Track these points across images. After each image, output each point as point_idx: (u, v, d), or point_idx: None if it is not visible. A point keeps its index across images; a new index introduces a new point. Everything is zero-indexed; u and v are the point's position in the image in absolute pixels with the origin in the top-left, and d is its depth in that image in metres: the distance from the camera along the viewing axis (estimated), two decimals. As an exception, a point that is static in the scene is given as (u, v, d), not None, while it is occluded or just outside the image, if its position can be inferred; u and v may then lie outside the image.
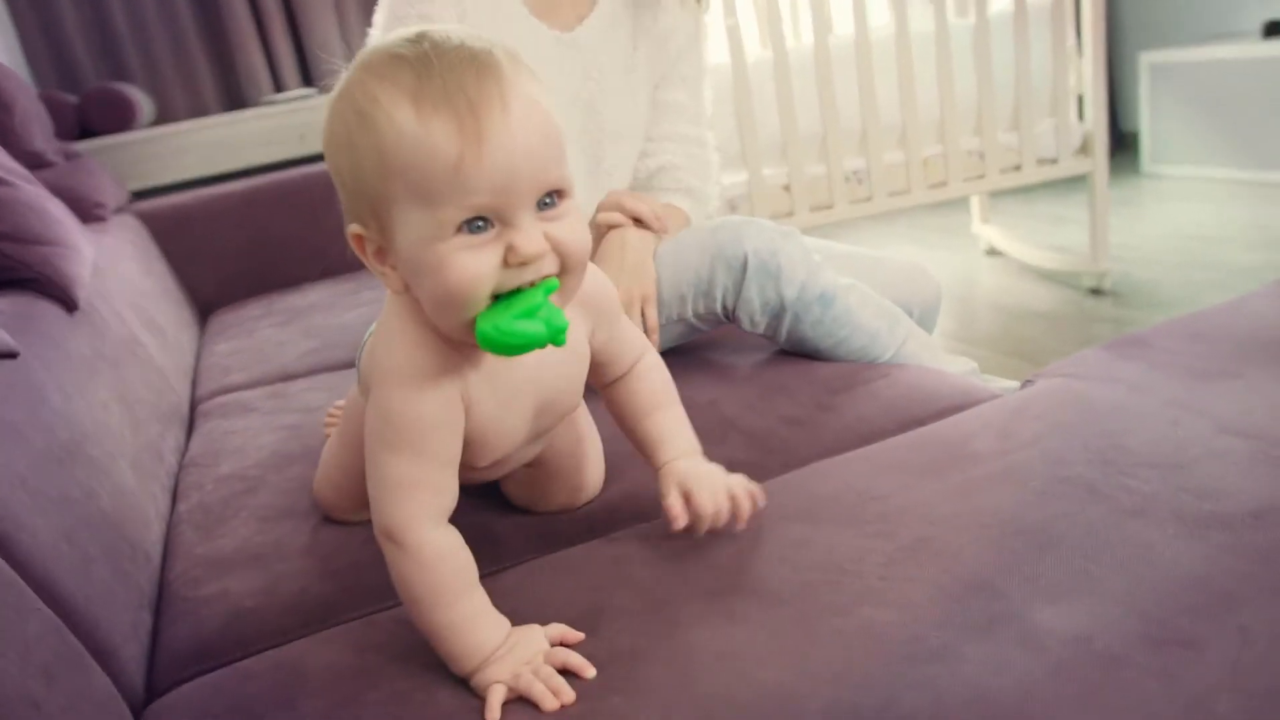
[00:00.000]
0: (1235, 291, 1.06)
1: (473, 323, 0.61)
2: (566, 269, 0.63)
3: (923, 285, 1.42)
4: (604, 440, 0.97)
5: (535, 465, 0.89)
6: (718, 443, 0.98)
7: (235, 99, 3.04)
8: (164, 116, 2.93)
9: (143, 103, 2.72)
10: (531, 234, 0.60)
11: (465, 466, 0.72)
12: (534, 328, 0.60)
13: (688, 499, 0.74)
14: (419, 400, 0.66)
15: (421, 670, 0.68)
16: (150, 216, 2.26)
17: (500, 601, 0.69)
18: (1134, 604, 0.58)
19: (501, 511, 0.94)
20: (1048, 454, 0.79)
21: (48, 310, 1.18)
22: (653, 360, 0.83)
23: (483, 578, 0.69)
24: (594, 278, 0.74)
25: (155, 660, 0.84)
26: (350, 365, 1.56)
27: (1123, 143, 4.03)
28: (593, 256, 0.94)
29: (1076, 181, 2.58)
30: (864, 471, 0.84)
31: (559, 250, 0.62)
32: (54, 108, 2.48)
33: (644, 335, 0.82)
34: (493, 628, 0.67)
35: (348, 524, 0.97)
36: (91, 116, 2.61)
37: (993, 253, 3.04)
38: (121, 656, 0.79)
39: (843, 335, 1.18)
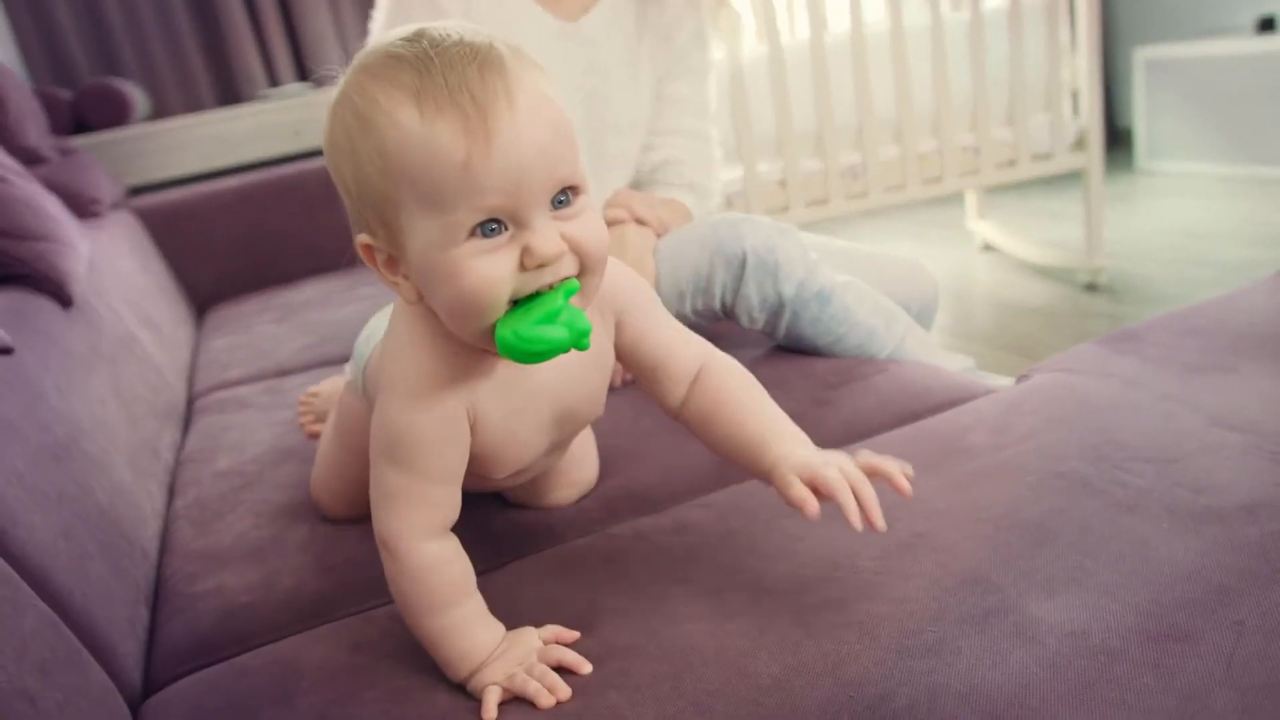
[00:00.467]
0: (1229, 287, 1.07)
1: (492, 330, 0.58)
2: (586, 269, 0.60)
3: (920, 282, 1.43)
4: (598, 435, 0.97)
5: None
6: (700, 451, 0.98)
7: (230, 94, 3.04)
8: (159, 112, 2.92)
9: (138, 98, 2.72)
10: (548, 234, 0.57)
11: (481, 477, 0.71)
12: (556, 333, 0.57)
13: (813, 484, 0.63)
14: (419, 417, 0.64)
15: (419, 668, 0.68)
16: (146, 212, 2.25)
17: (496, 599, 0.69)
18: (1129, 598, 0.59)
19: (497, 508, 0.94)
20: (1043, 449, 0.79)
21: (43, 306, 1.17)
22: (724, 364, 0.73)
23: (478, 575, 0.69)
24: (618, 271, 0.71)
25: (152, 656, 0.84)
26: (347, 360, 1.56)
27: (1117, 138, 4.03)
28: None
29: (1071, 177, 2.59)
30: (860, 466, 0.84)
31: (577, 250, 0.59)
32: (49, 104, 2.47)
33: (704, 340, 0.74)
34: (486, 633, 0.66)
35: (344, 522, 0.96)
36: (87, 112, 2.60)
37: (988, 248, 3.04)
38: (118, 652, 0.79)
39: (841, 332, 1.18)
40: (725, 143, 2.15)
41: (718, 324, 1.23)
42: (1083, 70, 2.42)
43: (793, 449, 0.67)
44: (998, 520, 0.70)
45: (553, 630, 0.68)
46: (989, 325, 2.44)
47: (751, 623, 0.65)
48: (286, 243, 2.30)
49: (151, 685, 0.80)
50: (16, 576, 0.69)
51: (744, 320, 1.17)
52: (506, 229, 0.57)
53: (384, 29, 1.28)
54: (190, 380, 1.66)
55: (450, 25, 0.59)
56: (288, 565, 0.90)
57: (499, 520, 0.92)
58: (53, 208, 1.39)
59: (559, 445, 0.77)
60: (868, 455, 0.66)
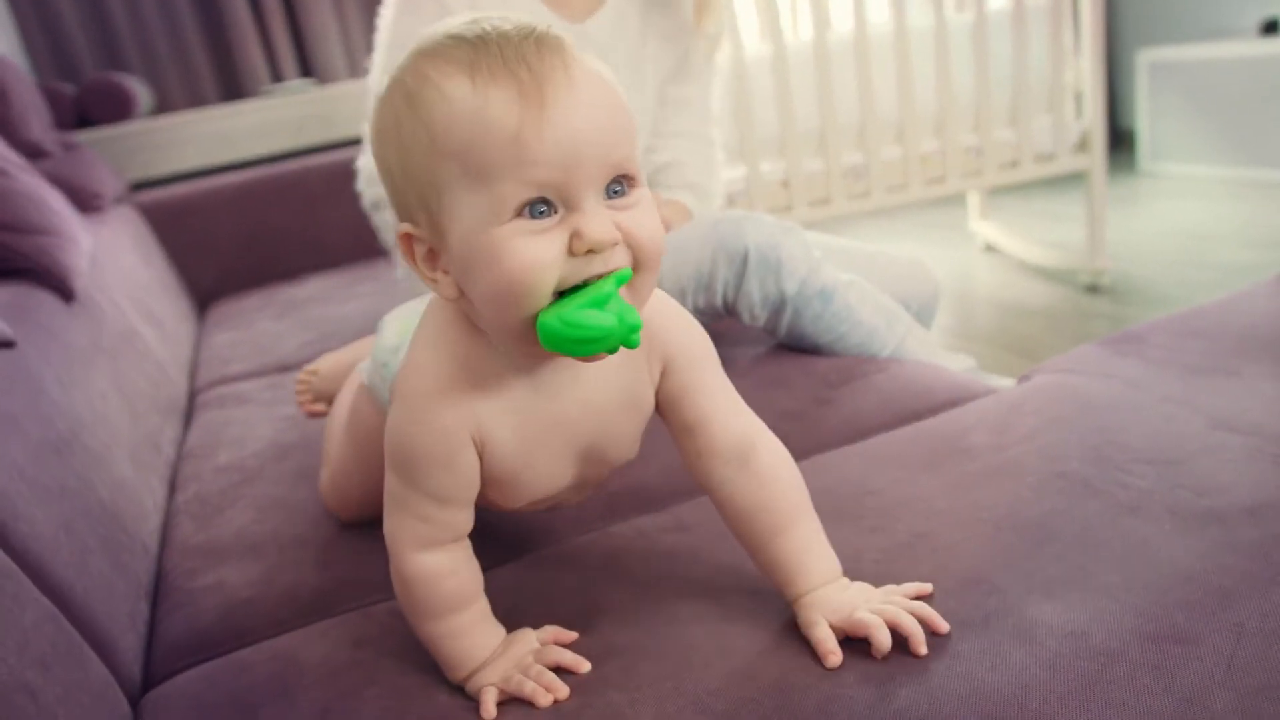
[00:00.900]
0: (1231, 289, 1.07)
1: (533, 321, 0.54)
2: (639, 265, 0.56)
3: (921, 281, 1.43)
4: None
5: None
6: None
7: (233, 90, 3.04)
8: (162, 107, 2.92)
9: (141, 93, 2.72)
10: (600, 219, 0.53)
11: (496, 505, 0.70)
12: (604, 319, 0.52)
13: (841, 627, 0.60)
14: (421, 436, 0.62)
15: (420, 666, 0.68)
16: (149, 207, 2.25)
17: (496, 598, 0.69)
18: (1129, 599, 0.59)
19: (499, 504, 0.94)
20: (1044, 449, 0.79)
21: (45, 300, 1.17)
22: (771, 460, 0.66)
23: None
24: (677, 316, 0.67)
25: (152, 650, 0.84)
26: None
27: (1120, 140, 4.03)
28: None
29: (1074, 178, 2.58)
30: (861, 466, 0.84)
31: (631, 241, 0.55)
32: (52, 98, 2.47)
33: (757, 417, 0.68)
34: (484, 637, 0.66)
35: (356, 524, 0.94)
36: (90, 107, 2.60)
37: (990, 249, 3.04)
38: (119, 646, 0.79)
39: (842, 331, 1.18)
40: (728, 143, 2.16)
41: (719, 322, 1.23)
42: (1086, 72, 2.41)
43: (825, 593, 0.62)
44: (998, 521, 0.70)
45: (551, 631, 0.68)
46: (991, 326, 2.44)
47: (752, 623, 0.65)
48: (289, 239, 2.30)
49: (151, 679, 0.80)
50: (17, 570, 0.69)
51: (745, 317, 1.17)
52: (556, 212, 0.54)
53: (392, 25, 1.28)
54: (192, 375, 1.66)
55: (512, 13, 0.57)
56: (288, 560, 0.91)
57: (499, 518, 0.92)
58: (55, 202, 1.39)
59: (587, 483, 0.72)
60: (903, 596, 0.62)
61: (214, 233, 2.28)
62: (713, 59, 1.41)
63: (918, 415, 1.00)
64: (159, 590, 0.93)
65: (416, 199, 0.57)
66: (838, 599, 0.62)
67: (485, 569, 0.68)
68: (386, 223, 1.33)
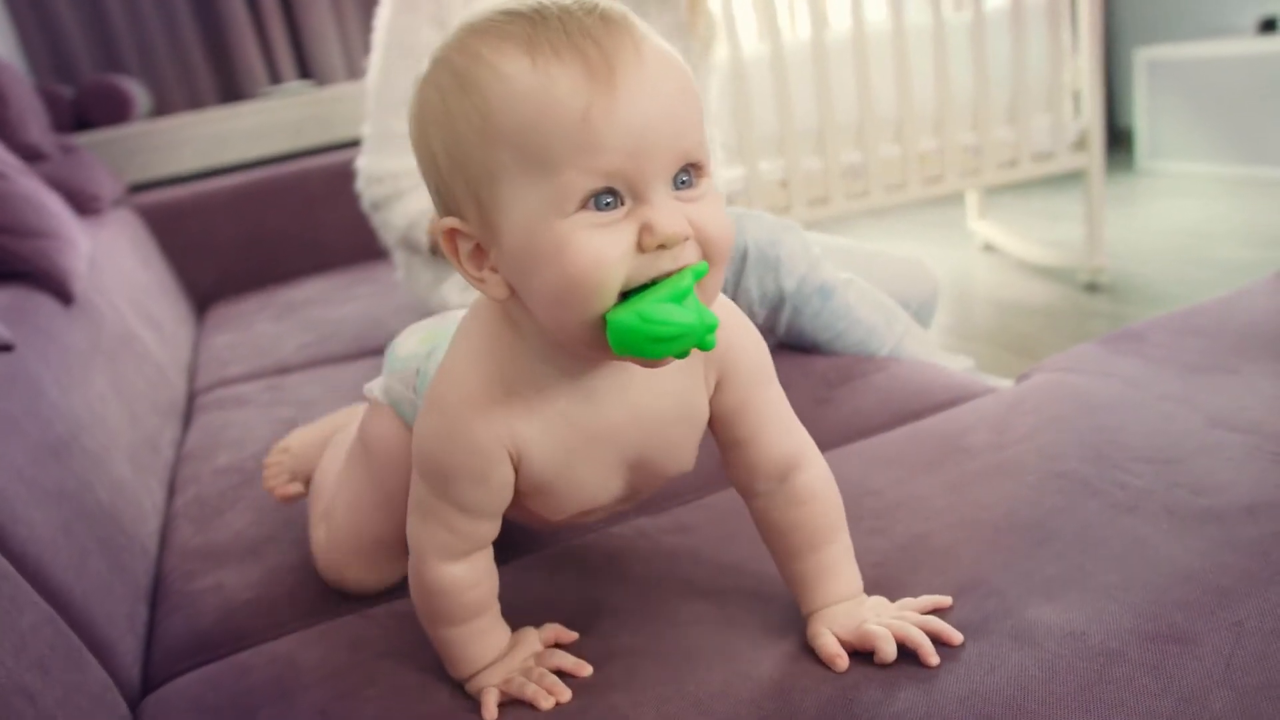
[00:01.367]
0: (1230, 287, 1.07)
1: (599, 322, 0.49)
2: (709, 260, 0.52)
3: (920, 280, 1.43)
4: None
5: None
6: (708, 435, 0.98)
7: (232, 92, 3.04)
8: (161, 109, 2.92)
9: (139, 95, 2.72)
10: (671, 211, 0.49)
11: (538, 518, 0.67)
12: (685, 315, 0.48)
13: (848, 640, 0.60)
14: (452, 451, 0.59)
15: (419, 666, 0.68)
16: (147, 209, 2.25)
17: (498, 597, 0.69)
18: (1128, 599, 0.58)
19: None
20: (1043, 449, 0.79)
21: (43, 303, 1.17)
22: (814, 479, 0.64)
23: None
24: (739, 324, 0.63)
25: (151, 653, 0.84)
26: (348, 359, 1.56)
27: (1118, 138, 4.03)
28: None
29: (1072, 177, 2.59)
30: (860, 466, 0.84)
31: (701, 236, 0.51)
32: (50, 100, 2.47)
33: (806, 433, 0.66)
34: (494, 640, 0.65)
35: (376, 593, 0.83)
36: (88, 109, 2.60)
37: (989, 248, 3.04)
38: (118, 649, 0.79)
39: (841, 329, 1.18)
40: (727, 142, 2.16)
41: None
42: (1084, 70, 2.41)
43: (837, 608, 0.62)
44: (997, 521, 0.70)
45: (552, 631, 0.68)
46: (989, 325, 2.44)
47: (754, 625, 0.65)
48: (287, 241, 2.30)
49: (150, 682, 0.80)
50: (16, 573, 0.69)
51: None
52: (623, 203, 0.49)
53: (389, 24, 1.28)
54: (191, 377, 1.66)
55: None
56: (287, 562, 0.90)
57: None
58: (54, 205, 1.39)
59: (636, 493, 0.68)
60: (916, 610, 0.61)
61: (212, 235, 2.27)
62: (709, 58, 1.41)
63: (917, 415, 1.00)
64: (158, 592, 0.93)
65: (465, 190, 0.52)
66: (849, 614, 0.61)
67: (486, 569, 0.68)
68: (386, 223, 1.33)
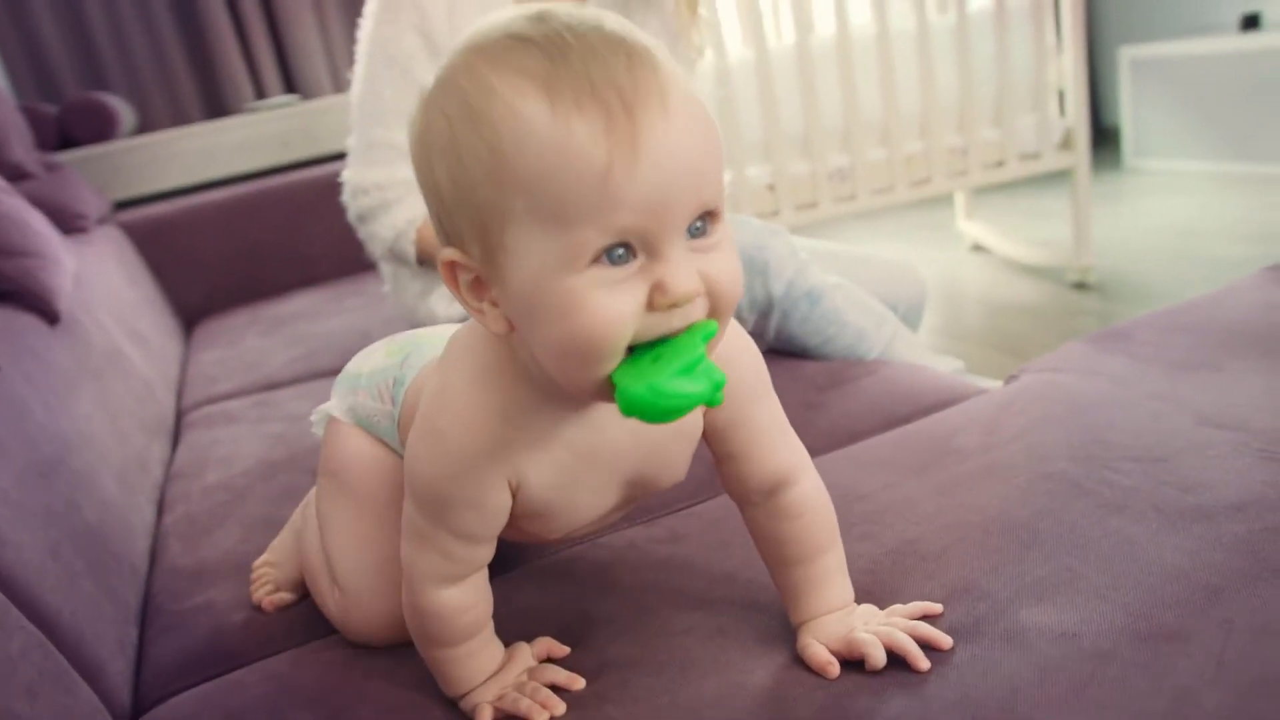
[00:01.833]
0: (1217, 283, 1.07)
1: (605, 380, 0.48)
2: (717, 313, 0.50)
3: (908, 282, 1.43)
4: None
5: None
6: (702, 443, 0.98)
7: (217, 107, 3.03)
8: (146, 126, 2.92)
9: (124, 112, 2.71)
10: (685, 270, 0.47)
11: (532, 535, 0.66)
12: (696, 387, 0.47)
13: (837, 648, 0.60)
14: (450, 482, 0.58)
15: (413, 684, 0.68)
16: (133, 226, 2.25)
17: (489, 610, 0.69)
18: (1119, 598, 0.58)
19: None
20: (1031, 450, 0.79)
21: (28, 323, 1.17)
22: (810, 491, 0.64)
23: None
24: (739, 344, 0.62)
25: (142, 674, 0.83)
26: (336, 373, 1.55)
27: (1105, 137, 4.05)
28: None
29: (1059, 176, 2.60)
30: (850, 471, 0.84)
31: (712, 291, 0.49)
32: (34, 119, 2.46)
33: (802, 445, 0.65)
34: (487, 658, 0.65)
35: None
36: (72, 127, 2.59)
37: (977, 249, 3.05)
38: (108, 671, 0.78)
39: (830, 333, 1.18)
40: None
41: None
42: (1068, 70, 2.42)
43: (827, 619, 0.62)
44: (987, 524, 0.70)
45: (544, 645, 0.67)
46: (979, 325, 2.45)
47: (747, 633, 0.65)
48: (275, 255, 2.30)
49: (142, 704, 0.80)
50: (3, 597, 0.69)
51: (733, 323, 1.17)
52: (636, 256, 0.47)
53: (371, 36, 1.28)
54: (179, 394, 1.65)
55: (580, 9, 0.49)
56: (278, 580, 0.90)
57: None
58: (38, 223, 1.38)
59: (629, 504, 0.68)
60: (905, 617, 0.61)
61: (199, 250, 2.27)
62: (696, 68, 1.42)
63: (906, 418, 1.00)
64: (148, 613, 0.92)
65: (469, 226, 0.49)
66: (838, 624, 0.61)
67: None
68: (373, 235, 1.33)
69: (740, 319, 1.15)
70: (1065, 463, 0.76)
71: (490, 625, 0.66)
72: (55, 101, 2.77)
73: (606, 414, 0.57)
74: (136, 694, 0.81)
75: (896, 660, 0.58)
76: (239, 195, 2.34)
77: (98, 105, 2.62)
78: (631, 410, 0.47)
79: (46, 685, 0.66)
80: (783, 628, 0.65)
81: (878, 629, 0.59)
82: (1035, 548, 0.66)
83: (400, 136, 1.26)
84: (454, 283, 0.52)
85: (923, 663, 0.57)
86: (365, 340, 1.65)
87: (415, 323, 1.38)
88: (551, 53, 0.46)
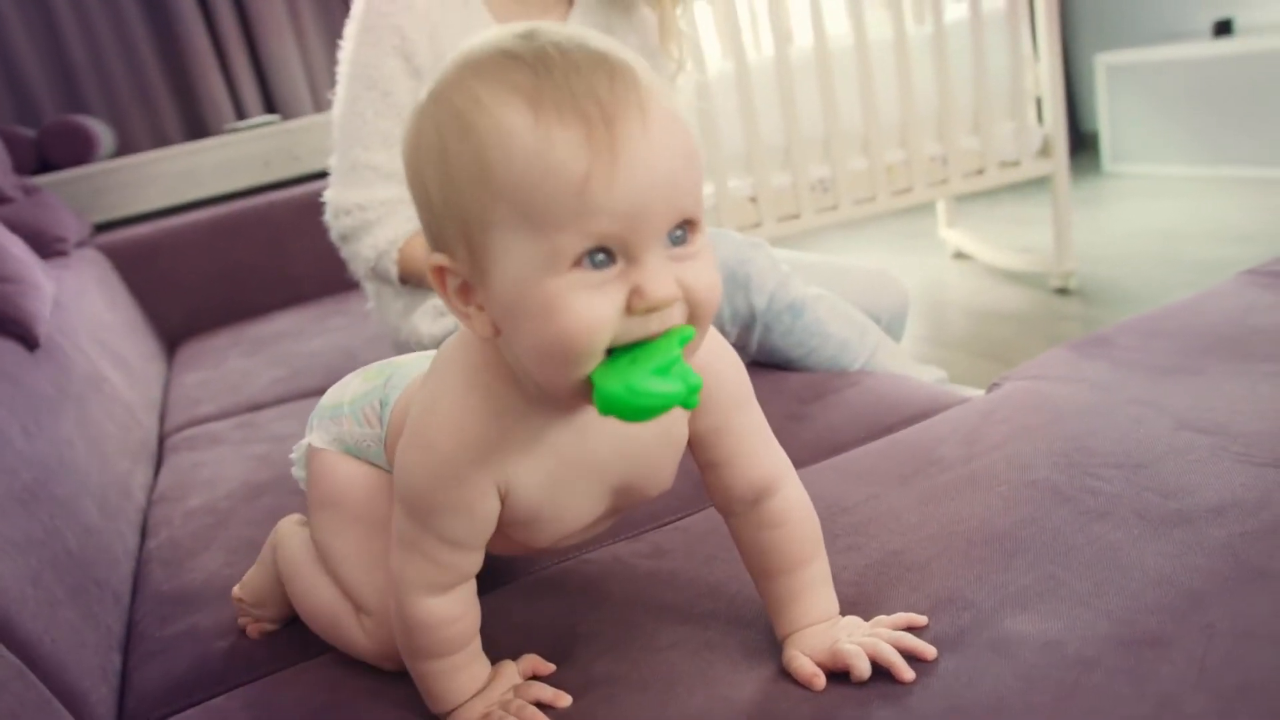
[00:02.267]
0: (1198, 286, 1.08)
1: (584, 380, 0.50)
2: (695, 320, 0.52)
3: (890, 292, 1.43)
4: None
5: None
6: (686, 456, 0.98)
7: (197, 128, 3.02)
8: (125, 148, 2.90)
9: (103, 134, 2.70)
10: (663, 276, 0.49)
11: (520, 544, 0.67)
12: (671, 387, 0.49)
13: (822, 660, 0.60)
14: (441, 487, 0.58)
15: (397, 702, 0.68)
16: (114, 249, 2.24)
17: (474, 628, 0.68)
18: (1102, 605, 0.59)
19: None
20: (1014, 458, 0.80)
21: (7, 349, 1.16)
22: (790, 502, 0.65)
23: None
24: (722, 354, 0.63)
25: (126, 701, 0.83)
26: (320, 392, 1.55)
27: (1083, 143, 4.08)
28: None
29: (1040, 183, 2.62)
30: (834, 482, 0.84)
31: (690, 297, 0.51)
32: (11, 143, 2.45)
33: (785, 455, 0.67)
34: (473, 675, 0.65)
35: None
36: (50, 150, 2.58)
37: (960, 256, 3.07)
38: (90, 700, 0.77)
39: (813, 345, 1.18)
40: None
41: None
42: (1045, 78, 2.45)
43: (811, 631, 0.62)
44: (970, 533, 0.70)
45: (530, 662, 0.67)
46: (964, 332, 2.46)
47: (733, 647, 0.65)
48: (257, 275, 2.29)
49: (125, 732, 0.79)
50: (-19, 628, 0.68)
51: (715, 337, 1.17)
52: (615, 262, 0.49)
53: (352, 58, 1.28)
54: (161, 417, 1.64)
55: (566, 27, 0.51)
56: (262, 603, 0.89)
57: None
58: (16, 248, 1.37)
59: (616, 513, 0.69)
60: (890, 628, 0.61)
61: (181, 272, 2.26)
62: (676, 81, 1.42)
63: (890, 428, 1.00)
64: (131, 639, 0.91)
65: (456, 232, 0.51)
66: (823, 635, 0.61)
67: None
68: (355, 254, 1.33)
69: (723, 332, 1.16)
70: (1047, 470, 0.76)
71: (477, 641, 0.66)
72: (33, 125, 2.76)
73: (593, 421, 0.58)
74: (120, 722, 0.81)
75: (882, 672, 0.58)
76: (220, 216, 2.33)
77: (76, 128, 2.61)
78: (608, 408, 0.49)
79: (28, 715, 0.65)
80: (768, 641, 0.65)
81: (862, 640, 0.59)
82: (1018, 556, 0.66)
83: (381, 158, 1.26)
84: (443, 287, 0.54)
85: (907, 673, 0.57)
86: (349, 359, 1.66)
87: (399, 340, 1.38)
88: (537, 67, 0.48)
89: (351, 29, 1.29)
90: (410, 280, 1.30)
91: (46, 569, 0.83)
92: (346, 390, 0.79)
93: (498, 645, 0.68)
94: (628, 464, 0.63)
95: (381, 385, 0.75)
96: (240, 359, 1.86)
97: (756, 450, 0.65)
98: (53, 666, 0.75)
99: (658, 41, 1.37)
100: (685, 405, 0.49)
